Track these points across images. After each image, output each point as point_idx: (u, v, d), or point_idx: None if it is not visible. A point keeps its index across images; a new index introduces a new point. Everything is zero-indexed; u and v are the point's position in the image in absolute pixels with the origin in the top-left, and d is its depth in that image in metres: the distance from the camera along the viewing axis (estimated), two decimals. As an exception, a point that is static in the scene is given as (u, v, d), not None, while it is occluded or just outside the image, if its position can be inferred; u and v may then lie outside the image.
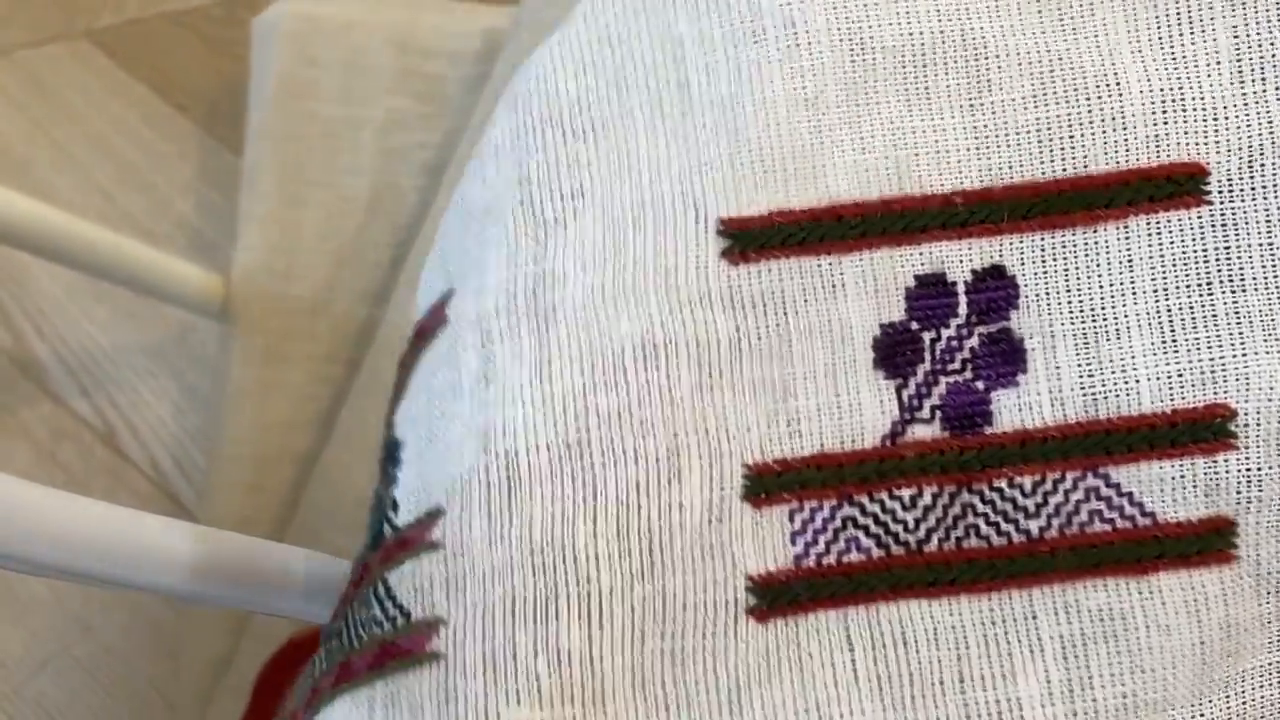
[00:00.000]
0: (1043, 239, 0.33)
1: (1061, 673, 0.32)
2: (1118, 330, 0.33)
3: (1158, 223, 0.33)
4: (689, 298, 0.33)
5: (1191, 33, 0.33)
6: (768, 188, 0.33)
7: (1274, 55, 0.33)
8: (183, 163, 0.79)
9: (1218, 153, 0.33)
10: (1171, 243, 0.33)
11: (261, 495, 0.71)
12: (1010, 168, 0.33)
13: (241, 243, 0.73)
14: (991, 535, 0.33)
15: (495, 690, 0.31)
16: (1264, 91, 0.33)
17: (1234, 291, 0.33)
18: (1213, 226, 0.33)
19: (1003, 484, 0.33)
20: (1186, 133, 0.33)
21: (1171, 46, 0.33)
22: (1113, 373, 0.33)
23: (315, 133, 0.74)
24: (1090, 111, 0.33)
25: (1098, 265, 0.33)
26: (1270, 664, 0.33)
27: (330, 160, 0.74)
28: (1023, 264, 0.33)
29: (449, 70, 0.76)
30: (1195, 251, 0.33)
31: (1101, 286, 0.33)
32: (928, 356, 0.33)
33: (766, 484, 0.33)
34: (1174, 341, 0.33)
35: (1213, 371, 0.32)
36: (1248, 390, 0.32)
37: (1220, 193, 0.33)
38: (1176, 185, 0.33)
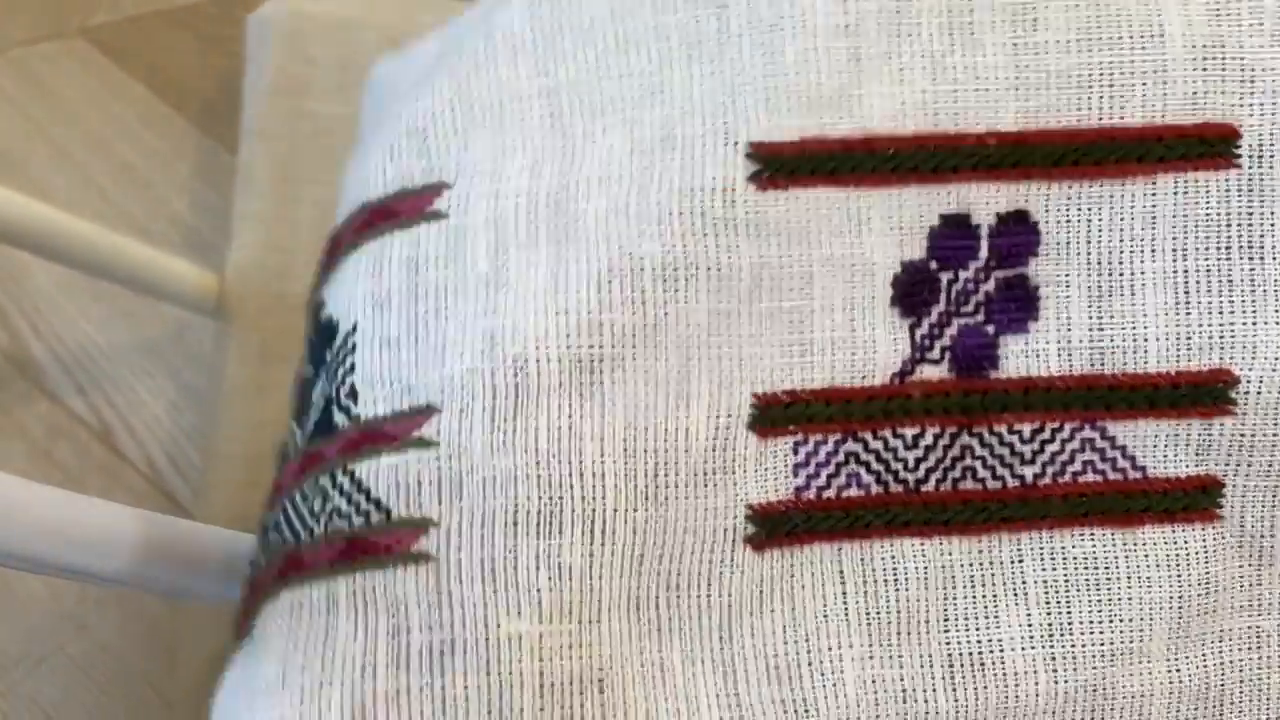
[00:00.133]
0: (1069, 188, 0.33)
1: (1043, 617, 0.33)
2: (1132, 287, 0.33)
3: (1185, 182, 0.33)
4: (713, 222, 0.32)
5: None
6: (801, 114, 0.33)
7: None
8: (178, 161, 0.79)
9: (1250, 115, 0.32)
10: (1196, 203, 0.33)
11: (257, 492, 0.70)
12: (1047, 111, 0.33)
13: (237, 241, 0.72)
14: (987, 479, 0.33)
15: (495, 599, 0.31)
16: None
17: (1252, 259, 0.33)
18: (1239, 191, 0.33)
19: (1002, 429, 0.33)
20: (1223, 93, 0.32)
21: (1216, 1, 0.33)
22: (1122, 329, 0.33)
23: (310, 130, 0.74)
24: (1132, 60, 0.32)
25: (1121, 219, 0.33)
26: (1248, 628, 0.33)
27: (325, 158, 0.74)
28: (1047, 211, 0.33)
29: (445, 68, 0.75)
30: (1218, 215, 0.33)
31: (1121, 241, 0.33)
32: (943, 297, 0.33)
33: (773, 415, 0.33)
34: (1186, 303, 0.33)
35: (1221, 337, 0.33)
36: (1253, 358, 0.33)
37: (1250, 158, 0.33)
38: (1208, 146, 0.33)
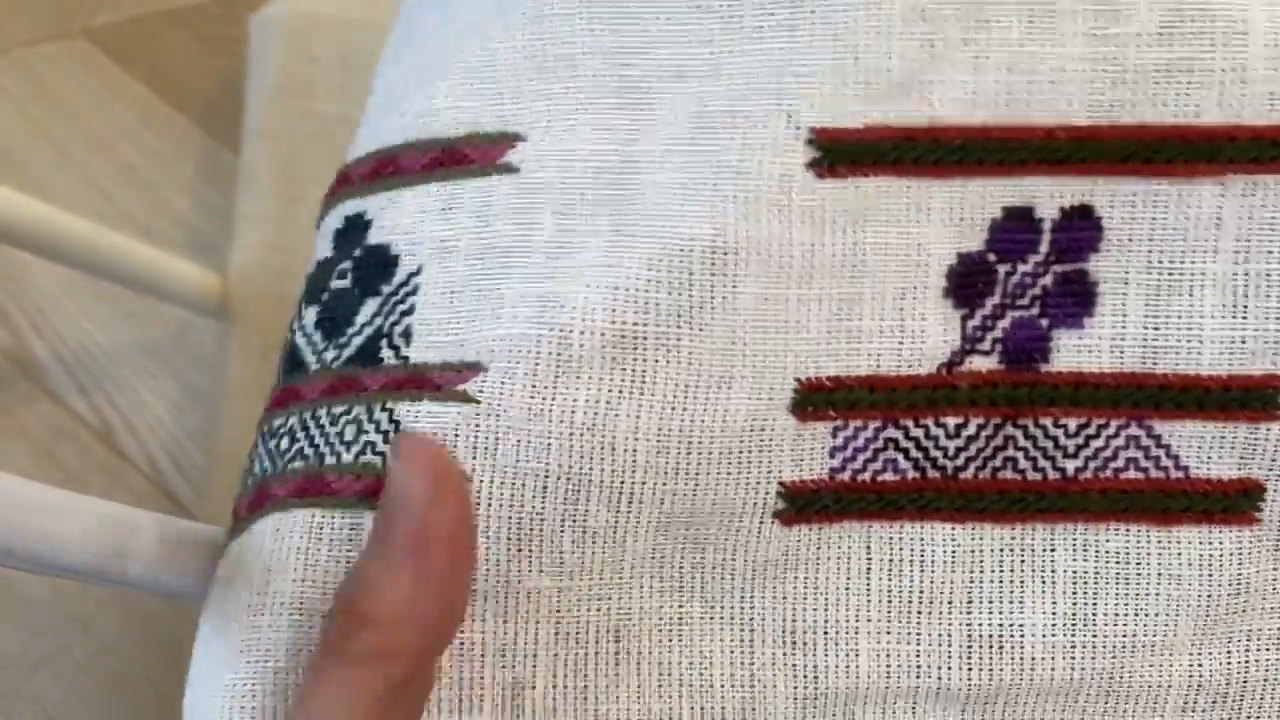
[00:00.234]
0: (1137, 184, 0.32)
1: (1068, 606, 0.33)
2: (1191, 287, 0.33)
3: (1254, 185, 0.32)
4: (767, 206, 0.32)
5: None
6: (867, 101, 0.32)
7: None
8: (181, 161, 0.79)
9: None
10: (1263, 206, 0.32)
11: (260, 494, 0.71)
12: (1120, 106, 0.32)
13: (239, 241, 0.72)
14: (1028, 469, 0.33)
15: (519, 557, 0.32)
16: None
17: None
18: None
19: (1048, 422, 0.33)
20: None
21: None
22: (1178, 329, 0.33)
23: (313, 130, 0.74)
24: (1213, 57, 0.32)
25: (1186, 219, 0.32)
26: (1276, 629, 0.33)
27: (329, 158, 0.74)
28: (1112, 207, 0.33)
29: (447, 68, 0.75)
30: None
31: (1185, 241, 0.32)
32: (999, 290, 0.33)
33: (815, 399, 0.33)
34: (1244, 307, 0.32)
35: (1276, 342, 0.32)
36: None
37: None
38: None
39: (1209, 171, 0.32)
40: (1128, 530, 0.33)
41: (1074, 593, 0.33)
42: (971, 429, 0.33)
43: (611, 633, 0.33)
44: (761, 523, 0.33)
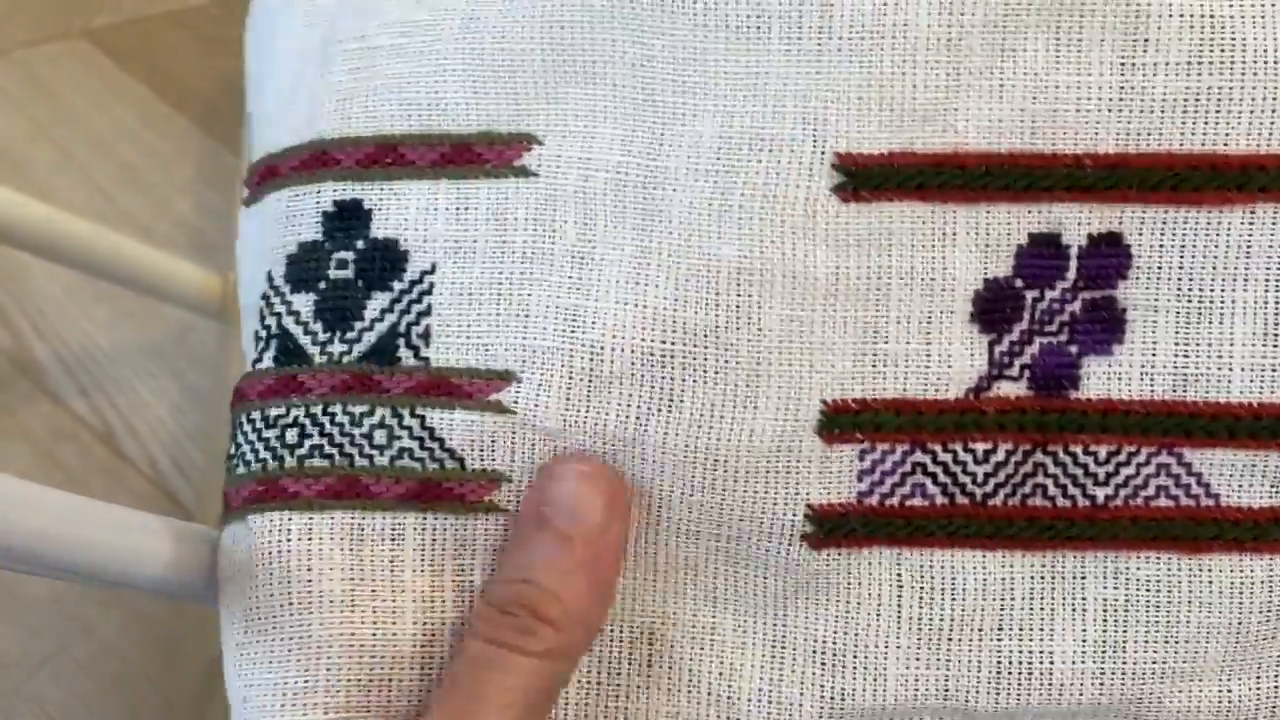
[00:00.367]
0: (1166, 213, 0.32)
1: (1098, 634, 0.33)
2: (1221, 315, 0.33)
3: None
4: (793, 229, 0.32)
5: None
6: (893, 127, 0.32)
7: None
8: (182, 162, 0.79)
9: None
10: None
11: (260, 494, 0.71)
12: (1148, 135, 0.32)
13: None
14: (1057, 496, 0.33)
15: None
16: None
17: None
18: None
19: (1078, 449, 0.33)
20: None
21: None
22: (1208, 357, 0.33)
23: (314, 132, 0.74)
24: (1242, 87, 0.32)
25: (1215, 247, 0.32)
26: None
27: (329, 159, 0.74)
28: (1140, 235, 0.33)
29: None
30: None
31: (1214, 269, 0.32)
32: (1027, 315, 0.33)
33: (841, 421, 0.33)
34: (1275, 335, 0.32)
35: None
36: None
37: None
38: None
39: (1239, 200, 0.32)
40: (1158, 558, 0.33)
41: (1104, 620, 0.33)
42: (1000, 455, 0.33)
43: (645, 634, 0.33)
44: (790, 545, 0.33)
